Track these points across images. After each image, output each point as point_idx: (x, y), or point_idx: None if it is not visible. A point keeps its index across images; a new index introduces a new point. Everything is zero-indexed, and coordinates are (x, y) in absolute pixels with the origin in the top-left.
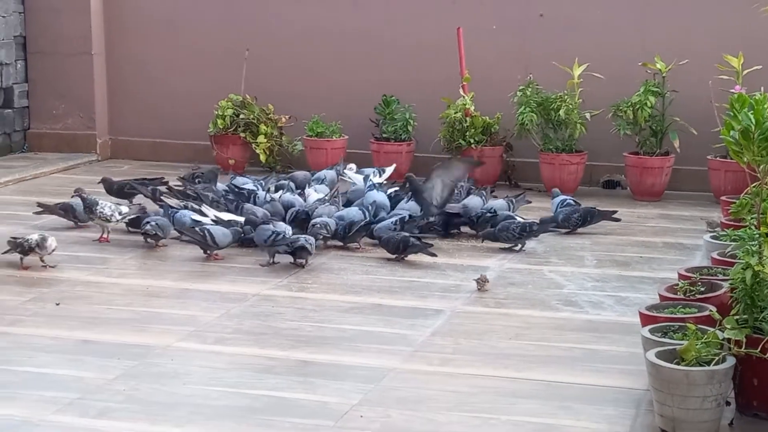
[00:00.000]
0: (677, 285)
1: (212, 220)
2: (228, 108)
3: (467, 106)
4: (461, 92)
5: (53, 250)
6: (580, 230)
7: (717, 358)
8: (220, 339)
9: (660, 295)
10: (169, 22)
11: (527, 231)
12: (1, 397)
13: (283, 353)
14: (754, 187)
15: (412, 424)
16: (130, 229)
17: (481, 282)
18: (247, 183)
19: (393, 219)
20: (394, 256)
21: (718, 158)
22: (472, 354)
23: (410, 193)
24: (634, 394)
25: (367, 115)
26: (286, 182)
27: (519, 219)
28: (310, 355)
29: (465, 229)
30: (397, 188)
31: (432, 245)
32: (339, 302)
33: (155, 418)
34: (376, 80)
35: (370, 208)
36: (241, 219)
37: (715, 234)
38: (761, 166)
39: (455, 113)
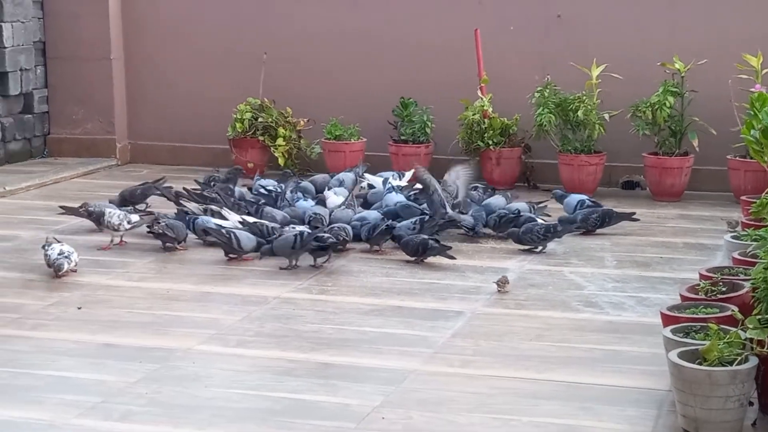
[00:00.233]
0: (698, 285)
1: (239, 223)
2: (247, 111)
3: (485, 108)
4: (479, 94)
5: (75, 264)
6: (599, 231)
7: (739, 358)
8: (241, 342)
9: (681, 296)
10: (187, 26)
11: (551, 233)
12: (25, 401)
13: (304, 356)
14: None
15: (434, 426)
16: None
17: (502, 283)
18: (269, 185)
19: (413, 219)
20: (413, 259)
21: (737, 158)
22: (493, 355)
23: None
24: (655, 395)
25: (385, 117)
26: (304, 185)
27: (540, 220)
28: (331, 357)
29: (486, 230)
30: (416, 191)
31: (450, 247)
32: (359, 304)
33: (177, 421)
34: (393, 82)
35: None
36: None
37: (735, 234)
38: None
39: (473, 115)
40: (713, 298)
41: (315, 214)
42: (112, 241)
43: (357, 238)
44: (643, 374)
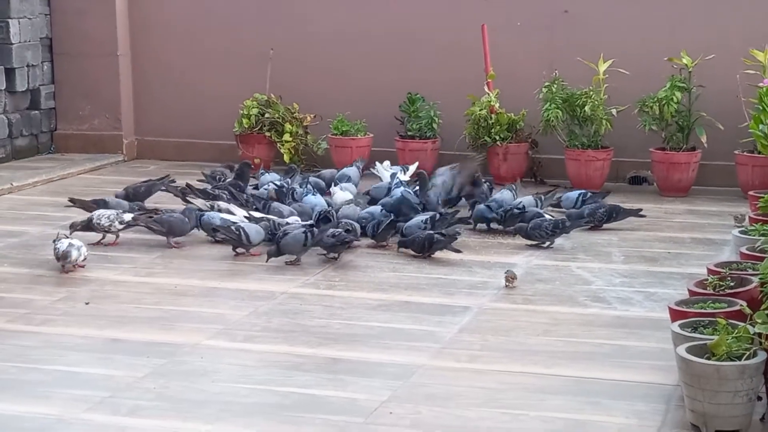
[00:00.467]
0: (706, 280)
1: (245, 218)
2: (253, 107)
3: (492, 103)
4: (486, 89)
5: (84, 259)
6: (606, 226)
7: (748, 352)
8: (248, 337)
9: (689, 291)
10: (194, 22)
11: (560, 228)
12: (34, 396)
13: (312, 350)
14: None
15: (442, 421)
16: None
17: (509, 279)
18: (273, 180)
19: (423, 218)
20: (420, 255)
21: (745, 153)
22: (501, 350)
23: (417, 187)
24: (664, 390)
25: (392, 113)
26: (314, 180)
27: (547, 216)
28: (338, 352)
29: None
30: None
31: (455, 238)
32: (367, 299)
33: (185, 415)
34: (400, 78)
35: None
36: (280, 218)
37: (743, 229)
38: None
39: (480, 110)
40: (721, 293)
41: (325, 210)
42: (104, 236)
43: (364, 233)
44: (652, 369)
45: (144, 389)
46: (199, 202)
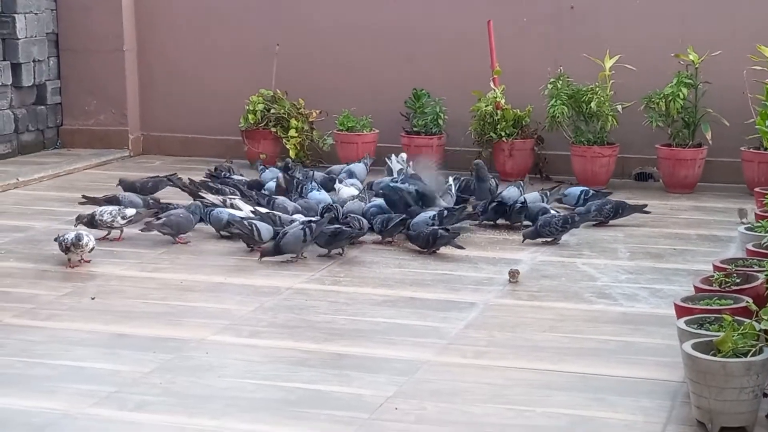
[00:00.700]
0: (712, 276)
1: (251, 213)
2: (259, 103)
3: (498, 99)
4: (492, 85)
5: (91, 249)
6: (612, 222)
7: (754, 349)
8: (254, 332)
9: (695, 287)
10: (199, 18)
11: (569, 224)
12: (40, 390)
13: (318, 346)
14: None
15: (447, 416)
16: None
17: (513, 274)
18: (273, 176)
19: (430, 214)
20: (425, 250)
21: (751, 149)
22: (506, 346)
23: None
24: (669, 386)
25: (397, 108)
26: (318, 176)
27: (553, 212)
28: (344, 347)
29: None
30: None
31: (459, 234)
32: (372, 295)
33: (192, 410)
34: (406, 74)
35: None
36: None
37: (749, 225)
38: None
39: (486, 106)
40: (727, 289)
41: (330, 205)
42: (109, 232)
43: (371, 228)
44: (657, 365)
45: (150, 384)
46: (212, 197)
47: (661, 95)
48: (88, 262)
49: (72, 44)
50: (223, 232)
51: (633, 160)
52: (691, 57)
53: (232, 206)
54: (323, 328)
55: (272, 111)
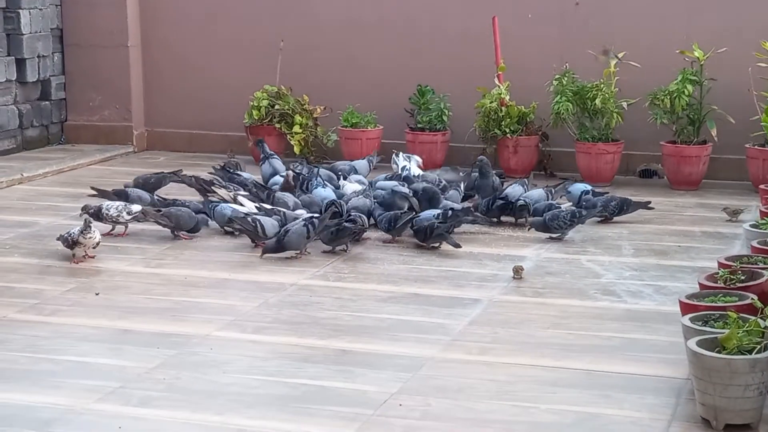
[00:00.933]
0: (717, 273)
1: (256, 209)
2: (263, 99)
3: (503, 96)
4: (496, 81)
5: (96, 244)
6: (616, 219)
7: (759, 346)
8: (258, 328)
9: (700, 284)
10: (204, 13)
11: (577, 218)
12: (45, 385)
13: (322, 342)
14: None
15: (452, 413)
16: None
17: (517, 270)
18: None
19: (435, 212)
20: (425, 244)
21: (756, 146)
22: (511, 343)
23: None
24: (674, 383)
25: (402, 105)
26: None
27: (563, 206)
28: (348, 344)
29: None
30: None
31: (452, 231)
32: (376, 292)
33: (196, 406)
34: (410, 70)
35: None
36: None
37: (754, 222)
38: None
39: (490, 103)
40: (732, 286)
41: (333, 201)
42: (114, 227)
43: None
44: (662, 362)
45: (154, 380)
46: (222, 193)
47: (666, 92)
48: (93, 257)
49: (76, 40)
50: (227, 228)
51: (638, 157)
52: (696, 54)
53: (235, 200)
54: (327, 324)
55: (277, 107)
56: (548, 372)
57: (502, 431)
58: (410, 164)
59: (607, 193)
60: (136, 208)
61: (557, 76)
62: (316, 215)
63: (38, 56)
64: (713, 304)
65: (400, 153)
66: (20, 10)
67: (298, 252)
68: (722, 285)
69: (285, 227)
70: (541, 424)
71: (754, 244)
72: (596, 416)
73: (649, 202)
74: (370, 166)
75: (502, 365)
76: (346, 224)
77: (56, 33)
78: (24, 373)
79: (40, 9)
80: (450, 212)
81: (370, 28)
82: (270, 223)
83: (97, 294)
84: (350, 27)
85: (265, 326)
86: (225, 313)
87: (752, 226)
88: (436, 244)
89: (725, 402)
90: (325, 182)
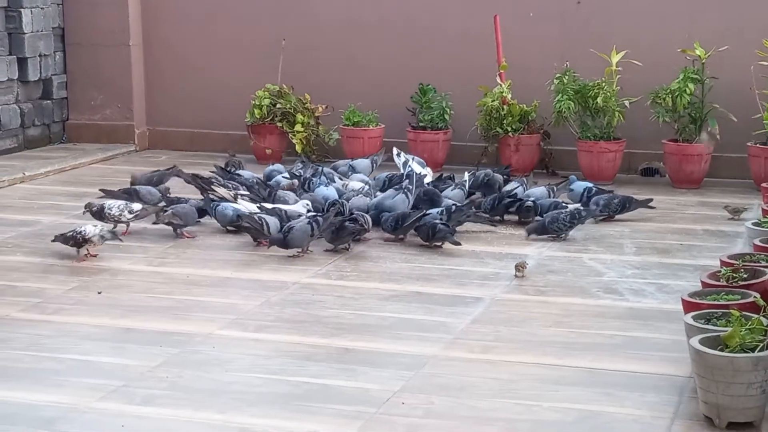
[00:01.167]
0: (719, 272)
1: (258, 208)
2: (265, 98)
3: (504, 94)
4: (498, 80)
5: (101, 239)
6: (618, 218)
7: (761, 344)
8: (261, 327)
9: (702, 282)
10: (205, 12)
11: (576, 218)
12: (48, 384)
13: (324, 341)
14: None
15: (455, 411)
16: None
17: (519, 267)
18: (281, 172)
19: (439, 210)
20: (427, 243)
21: (758, 145)
22: (513, 341)
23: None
24: (677, 381)
25: (403, 103)
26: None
27: (569, 207)
28: (350, 342)
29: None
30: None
31: (455, 231)
32: (379, 290)
33: (199, 404)
34: (412, 69)
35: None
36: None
37: (757, 221)
38: None
39: (492, 101)
40: (735, 284)
41: (335, 200)
42: (115, 226)
43: (376, 224)
44: (664, 360)
45: (157, 378)
46: (223, 191)
47: (668, 90)
48: (95, 256)
49: (78, 39)
50: (229, 227)
51: (639, 155)
52: (697, 52)
53: (235, 200)
54: (330, 322)
55: (278, 106)
56: (550, 370)
57: (504, 429)
58: (411, 161)
59: (611, 191)
60: (137, 206)
61: (559, 75)
62: (319, 214)
63: (40, 55)
64: (716, 303)
65: (401, 152)
66: (22, 9)
67: (301, 250)
68: (725, 283)
69: (288, 224)
70: (543, 422)
71: (756, 242)
72: (598, 414)
73: (651, 200)
74: (373, 165)
75: (504, 363)
76: (347, 224)
77: (58, 32)
78: (27, 372)
79: (42, 8)
80: (453, 208)
81: (371, 27)
82: (274, 222)
83: (99, 293)
84: (352, 26)
85: (268, 325)
86: (227, 312)
87: (754, 224)
88: (439, 243)
89: (728, 400)
90: (329, 181)
